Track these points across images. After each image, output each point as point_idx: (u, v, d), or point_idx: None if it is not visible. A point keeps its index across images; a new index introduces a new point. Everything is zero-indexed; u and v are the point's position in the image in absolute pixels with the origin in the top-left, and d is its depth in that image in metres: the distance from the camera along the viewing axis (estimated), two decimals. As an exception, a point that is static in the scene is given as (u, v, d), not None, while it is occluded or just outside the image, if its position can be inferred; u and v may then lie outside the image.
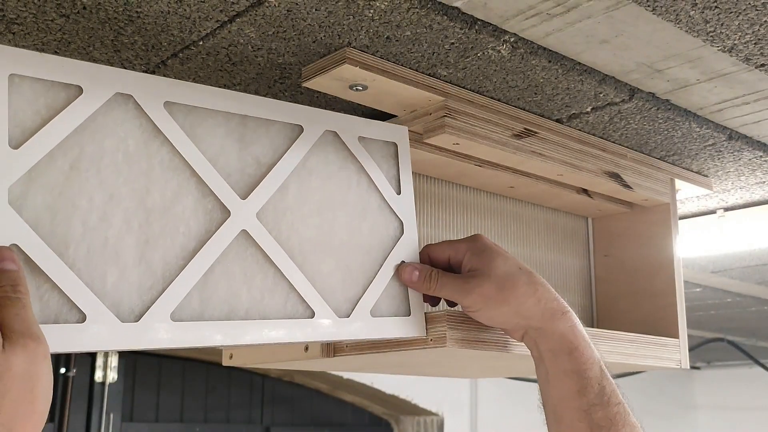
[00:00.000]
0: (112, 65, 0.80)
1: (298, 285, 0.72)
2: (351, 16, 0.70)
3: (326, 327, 0.73)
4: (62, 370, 3.26)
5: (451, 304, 0.82)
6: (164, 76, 0.82)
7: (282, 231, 0.72)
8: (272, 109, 0.74)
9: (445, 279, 0.79)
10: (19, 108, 0.58)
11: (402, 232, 0.82)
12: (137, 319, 0.62)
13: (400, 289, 0.80)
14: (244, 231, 0.69)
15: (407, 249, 0.81)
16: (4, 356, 0.52)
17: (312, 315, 0.72)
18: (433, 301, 0.83)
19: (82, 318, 0.59)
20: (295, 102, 0.89)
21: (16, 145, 0.58)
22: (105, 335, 0.60)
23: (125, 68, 0.80)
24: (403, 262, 0.80)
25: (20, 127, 0.58)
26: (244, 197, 0.70)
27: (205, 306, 0.66)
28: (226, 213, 0.68)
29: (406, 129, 0.84)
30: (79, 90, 0.62)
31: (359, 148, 0.80)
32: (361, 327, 0.75)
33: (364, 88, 0.80)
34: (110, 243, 0.61)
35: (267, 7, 0.68)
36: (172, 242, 0.65)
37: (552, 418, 0.77)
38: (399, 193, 0.82)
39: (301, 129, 0.75)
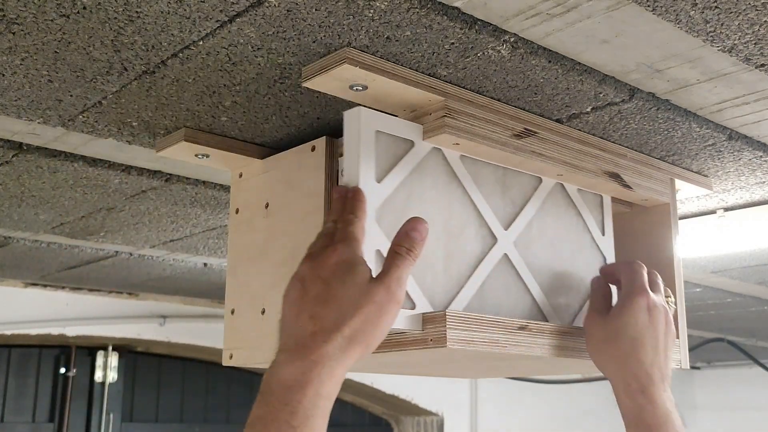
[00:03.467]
0: (111, 65, 0.80)
1: (538, 298, 0.95)
2: (351, 16, 0.70)
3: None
4: (62, 370, 3.25)
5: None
6: (164, 76, 0.82)
7: (528, 256, 0.95)
8: (524, 167, 0.95)
9: (593, 317, 0.94)
10: (379, 155, 0.82)
11: None
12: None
13: None
14: (505, 254, 0.92)
15: None
16: (375, 287, 0.67)
17: (545, 320, 0.94)
18: None
19: (413, 306, 0.81)
20: (295, 102, 0.88)
21: (378, 180, 0.81)
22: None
23: (125, 68, 0.81)
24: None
25: (380, 168, 0.82)
26: (506, 228, 0.93)
27: (481, 308, 0.88)
28: (494, 239, 0.91)
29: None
30: (411, 143, 0.85)
31: (578, 197, 1.03)
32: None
33: (364, 88, 0.80)
34: (427, 254, 0.82)
35: (267, 7, 0.68)
36: (462, 258, 0.88)
37: None
38: (603, 234, 1.05)
39: (540, 180, 0.98)
